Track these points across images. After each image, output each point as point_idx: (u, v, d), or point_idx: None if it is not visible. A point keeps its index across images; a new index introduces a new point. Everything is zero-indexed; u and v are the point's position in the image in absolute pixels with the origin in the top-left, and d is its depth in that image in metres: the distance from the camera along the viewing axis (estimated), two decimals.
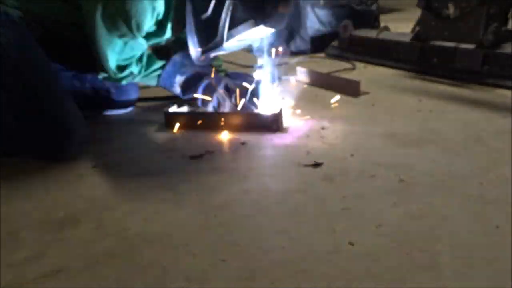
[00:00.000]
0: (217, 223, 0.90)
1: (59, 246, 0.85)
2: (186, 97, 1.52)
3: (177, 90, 1.51)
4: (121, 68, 1.40)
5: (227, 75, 1.62)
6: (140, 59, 1.43)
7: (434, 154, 1.18)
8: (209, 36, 1.32)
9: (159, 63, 1.48)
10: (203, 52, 1.37)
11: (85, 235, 0.89)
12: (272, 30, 1.34)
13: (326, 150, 1.24)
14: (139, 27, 1.32)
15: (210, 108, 1.51)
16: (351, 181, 1.06)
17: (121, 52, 1.35)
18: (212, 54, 1.41)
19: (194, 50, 1.37)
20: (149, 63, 1.46)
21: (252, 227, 0.89)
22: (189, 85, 1.49)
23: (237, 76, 1.57)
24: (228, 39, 1.28)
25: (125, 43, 1.34)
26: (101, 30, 1.28)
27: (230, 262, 0.78)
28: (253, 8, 1.24)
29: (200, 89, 1.48)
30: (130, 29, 1.29)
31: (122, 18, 1.27)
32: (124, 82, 1.46)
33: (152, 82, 1.52)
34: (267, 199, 0.99)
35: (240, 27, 1.26)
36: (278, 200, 0.99)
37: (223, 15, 1.25)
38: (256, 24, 1.25)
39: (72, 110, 1.28)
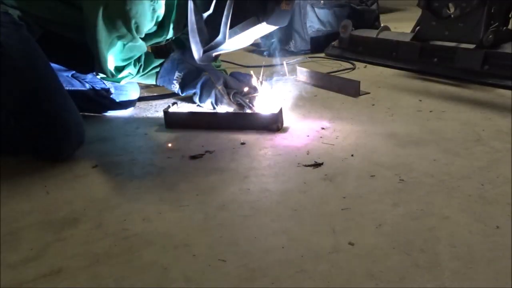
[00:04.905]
0: (217, 223, 0.90)
1: (59, 246, 0.85)
2: (184, 93, 1.52)
3: (175, 87, 1.50)
4: (119, 69, 1.40)
5: (231, 75, 1.61)
6: (138, 59, 1.43)
7: (434, 154, 1.18)
8: (211, 35, 1.31)
9: (157, 62, 1.48)
10: (205, 51, 1.36)
11: (85, 235, 0.89)
12: (275, 27, 1.33)
13: (326, 150, 1.24)
14: (138, 29, 1.31)
15: (208, 104, 1.51)
16: (351, 181, 1.05)
17: (120, 54, 1.35)
18: (214, 53, 1.40)
19: (196, 49, 1.36)
20: (147, 62, 1.46)
21: (252, 227, 0.89)
22: (187, 82, 1.49)
23: (240, 76, 1.55)
24: (230, 37, 1.28)
25: (124, 45, 1.33)
26: (101, 31, 1.28)
27: (230, 262, 0.78)
28: (255, 5, 1.22)
29: (198, 85, 1.48)
30: (129, 30, 1.29)
31: (122, 20, 1.27)
32: (123, 82, 1.46)
33: (151, 80, 1.51)
34: (267, 199, 0.99)
35: (242, 25, 1.25)
36: (278, 200, 0.98)
37: (225, 13, 1.24)
38: (259, 22, 1.24)
39: (71, 110, 1.28)
